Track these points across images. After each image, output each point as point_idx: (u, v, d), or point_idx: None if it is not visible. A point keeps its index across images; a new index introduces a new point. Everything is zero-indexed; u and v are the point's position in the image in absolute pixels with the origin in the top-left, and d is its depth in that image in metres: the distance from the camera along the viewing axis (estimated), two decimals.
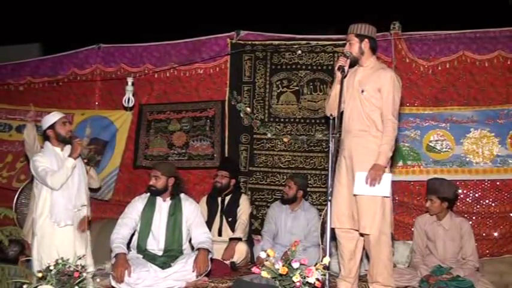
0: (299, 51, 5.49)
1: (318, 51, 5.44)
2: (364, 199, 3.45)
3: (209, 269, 4.06)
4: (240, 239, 4.88)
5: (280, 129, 5.51)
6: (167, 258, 4.07)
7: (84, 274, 2.94)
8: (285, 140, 5.47)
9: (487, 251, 4.78)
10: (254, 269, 3.02)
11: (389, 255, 3.59)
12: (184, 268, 3.96)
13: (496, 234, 4.81)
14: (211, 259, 4.14)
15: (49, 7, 9.09)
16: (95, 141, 5.93)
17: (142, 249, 4.15)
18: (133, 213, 4.21)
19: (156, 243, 4.15)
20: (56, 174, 3.94)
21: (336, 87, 3.59)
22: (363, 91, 3.56)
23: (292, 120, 5.49)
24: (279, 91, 5.56)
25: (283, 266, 2.86)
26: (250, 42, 5.64)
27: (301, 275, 2.83)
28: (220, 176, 5.11)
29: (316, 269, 2.86)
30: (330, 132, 3.34)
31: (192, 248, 4.26)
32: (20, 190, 5.06)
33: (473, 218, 4.85)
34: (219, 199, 5.12)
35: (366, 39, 3.59)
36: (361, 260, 3.74)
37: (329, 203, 3.27)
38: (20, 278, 2.99)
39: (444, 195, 4.19)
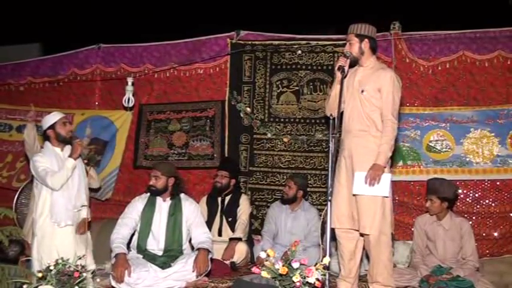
0: (299, 51, 5.49)
1: (318, 51, 5.44)
2: (364, 199, 3.45)
3: (209, 269, 4.07)
4: (240, 239, 4.88)
5: (280, 129, 5.51)
6: (167, 258, 4.07)
7: (84, 274, 2.94)
8: (285, 140, 5.47)
9: (487, 251, 4.78)
10: (254, 269, 3.02)
11: (390, 255, 3.59)
12: (184, 268, 3.96)
13: (496, 234, 4.81)
14: (211, 259, 4.14)
15: (49, 7, 9.09)
16: (95, 141, 5.93)
17: (142, 249, 4.15)
18: (134, 213, 4.21)
19: (156, 243, 4.15)
20: (56, 175, 3.94)
21: (336, 87, 3.59)
22: (362, 91, 3.56)
23: (292, 120, 5.49)
24: (279, 91, 5.56)
25: (283, 266, 2.86)
26: (250, 42, 5.64)
27: (301, 275, 2.83)
28: (220, 176, 5.11)
29: (316, 269, 2.86)
30: (330, 132, 3.33)
31: (192, 248, 4.26)
32: (20, 190, 5.05)
33: (473, 218, 4.85)
34: (219, 199, 5.12)
35: (366, 39, 3.59)
36: (361, 260, 3.74)
37: (329, 203, 3.27)
38: (20, 278, 2.99)
39: (444, 195, 4.19)
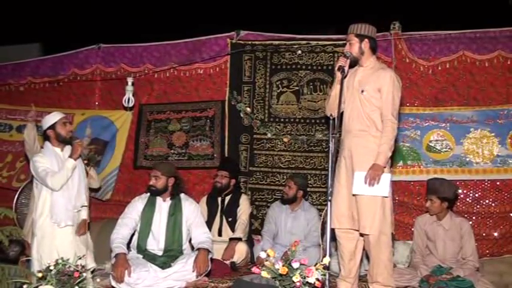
0: (299, 51, 5.49)
1: (318, 51, 5.44)
2: (364, 199, 3.45)
3: (209, 269, 4.06)
4: (240, 239, 4.88)
5: (280, 129, 5.51)
6: (167, 258, 4.07)
7: (84, 274, 2.94)
8: (285, 140, 5.47)
9: (487, 251, 4.78)
10: (254, 269, 3.02)
11: (390, 256, 3.59)
12: (184, 268, 3.96)
13: (496, 234, 4.81)
14: (211, 259, 4.14)
15: (49, 7, 9.10)
16: (95, 141, 5.94)
17: (142, 249, 4.15)
18: (133, 213, 4.21)
19: (156, 243, 4.15)
20: (56, 175, 3.93)
21: (336, 87, 3.59)
22: (362, 91, 3.56)
23: (292, 120, 5.49)
24: (279, 91, 5.56)
25: (283, 266, 2.86)
26: (250, 42, 5.63)
27: (301, 275, 2.83)
28: (220, 176, 5.11)
29: (316, 269, 2.86)
30: (330, 132, 3.33)
31: (192, 248, 4.26)
32: (20, 190, 5.05)
33: (473, 218, 4.85)
34: (219, 199, 5.13)
35: (366, 39, 3.59)
36: (361, 260, 3.74)
37: (329, 203, 3.27)
38: (20, 278, 2.99)
39: (444, 195, 4.19)
